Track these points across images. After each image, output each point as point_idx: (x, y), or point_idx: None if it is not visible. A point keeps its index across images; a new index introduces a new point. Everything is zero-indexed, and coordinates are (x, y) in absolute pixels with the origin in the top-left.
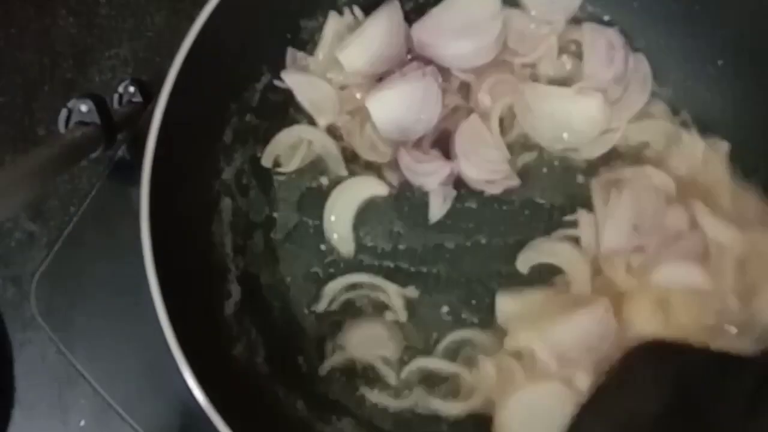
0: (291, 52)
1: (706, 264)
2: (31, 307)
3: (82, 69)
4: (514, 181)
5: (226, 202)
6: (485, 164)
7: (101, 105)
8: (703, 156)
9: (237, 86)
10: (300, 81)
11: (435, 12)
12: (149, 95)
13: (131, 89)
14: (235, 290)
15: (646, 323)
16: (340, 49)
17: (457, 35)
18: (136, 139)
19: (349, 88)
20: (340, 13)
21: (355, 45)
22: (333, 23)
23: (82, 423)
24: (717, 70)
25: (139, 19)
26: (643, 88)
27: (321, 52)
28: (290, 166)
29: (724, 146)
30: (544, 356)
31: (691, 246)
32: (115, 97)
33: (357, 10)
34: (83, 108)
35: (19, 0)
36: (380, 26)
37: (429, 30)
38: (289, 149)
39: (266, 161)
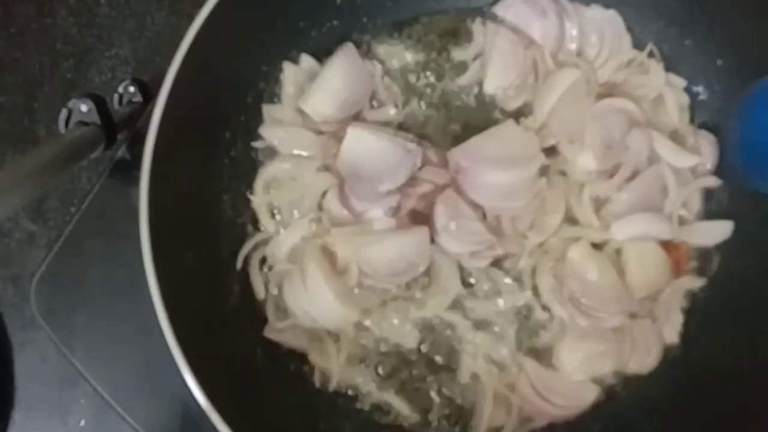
0: (266, 108)
1: (664, 198)
2: (31, 307)
3: (82, 69)
4: (500, 251)
5: (227, 201)
6: (467, 236)
7: (101, 105)
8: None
9: (236, 85)
10: (279, 134)
11: (475, 140)
12: (149, 95)
13: (131, 89)
14: (236, 290)
15: (584, 263)
16: (303, 99)
17: (496, 165)
18: (136, 139)
19: (326, 134)
20: (295, 62)
21: (317, 94)
22: (290, 73)
23: (82, 423)
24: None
25: (139, 19)
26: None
27: (285, 102)
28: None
29: (681, 81)
30: (353, 269)
31: (651, 178)
32: (115, 97)
33: (308, 58)
34: (83, 108)
35: (19, 0)
36: (340, 71)
37: (468, 155)
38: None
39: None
